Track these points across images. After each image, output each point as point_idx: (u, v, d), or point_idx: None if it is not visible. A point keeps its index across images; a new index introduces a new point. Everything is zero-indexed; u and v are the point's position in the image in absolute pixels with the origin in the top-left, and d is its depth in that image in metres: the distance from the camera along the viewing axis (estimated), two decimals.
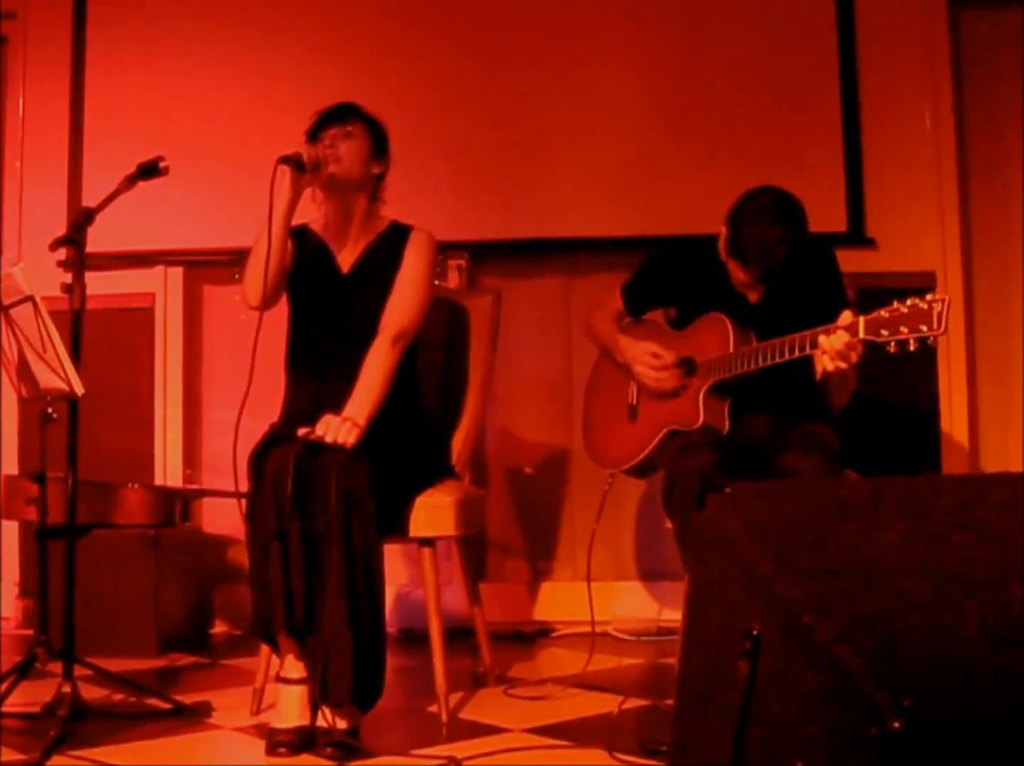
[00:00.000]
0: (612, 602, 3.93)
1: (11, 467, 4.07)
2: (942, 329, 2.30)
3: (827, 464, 2.67)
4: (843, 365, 2.48)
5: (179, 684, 3.19)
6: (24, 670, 2.68)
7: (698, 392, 2.83)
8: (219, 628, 4.06)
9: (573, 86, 4.10)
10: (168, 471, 4.15)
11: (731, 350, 2.77)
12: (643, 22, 4.11)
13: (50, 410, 2.70)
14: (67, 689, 2.58)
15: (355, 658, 2.39)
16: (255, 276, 2.64)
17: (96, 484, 3.49)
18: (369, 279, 2.78)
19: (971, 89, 4.16)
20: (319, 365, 2.77)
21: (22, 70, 4.32)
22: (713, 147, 4.03)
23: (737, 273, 2.80)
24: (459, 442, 3.14)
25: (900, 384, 3.86)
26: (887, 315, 2.38)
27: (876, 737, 1.13)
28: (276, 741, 2.44)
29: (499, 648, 3.34)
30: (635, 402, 3.06)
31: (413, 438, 2.78)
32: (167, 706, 2.77)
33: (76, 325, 2.65)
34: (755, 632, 1.34)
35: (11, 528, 4.12)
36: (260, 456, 2.53)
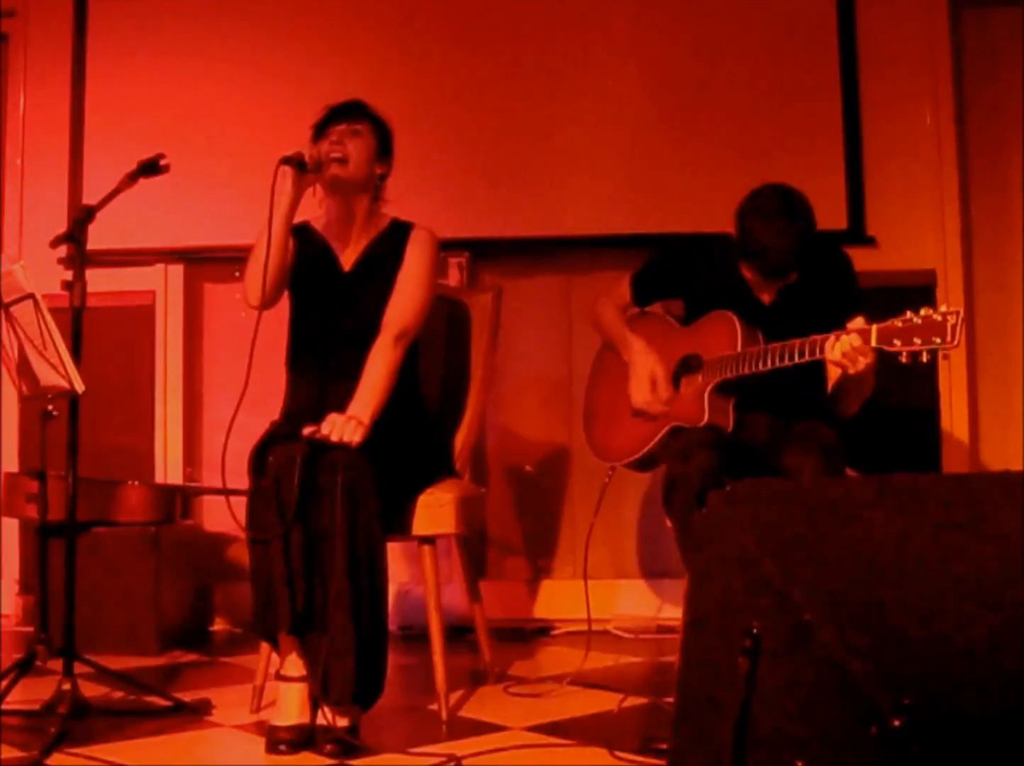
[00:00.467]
0: (613, 600, 3.94)
1: (11, 464, 4.07)
2: (956, 342, 2.30)
3: (828, 463, 2.67)
4: (848, 366, 2.48)
5: (179, 682, 3.19)
6: (24, 667, 2.68)
7: (703, 390, 2.83)
8: (219, 625, 4.06)
9: (574, 84, 4.10)
10: (168, 469, 4.15)
11: (739, 349, 2.77)
12: (644, 21, 4.11)
13: (50, 407, 2.71)
14: (67, 686, 2.58)
15: (358, 656, 2.39)
16: (255, 275, 2.64)
17: (96, 481, 3.49)
18: (371, 277, 2.78)
19: (972, 87, 4.16)
20: (320, 363, 2.77)
21: (23, 67, 4.31)
22: (714, 146, 4.03)
23: (747, 272, 2.80)
24: (459, 440, 3.13)
25: (900, 383, 3.86)
26: (900, 325, 2.38)
27: (876, 736, 1.13)
28: (276, 739, 2.44)
29: (499, 646, 3.34)
30: None
31: (414, 436, 2.78)
32: (167, 704, 2.76)
33: (77, 322, 2.65)
34: (755, 630, 1.34)
35: (11, 525, 4.12)
36: (261, 454, 2.53)
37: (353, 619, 2.39)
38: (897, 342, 2.38)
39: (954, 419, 4.01)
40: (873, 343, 2.43)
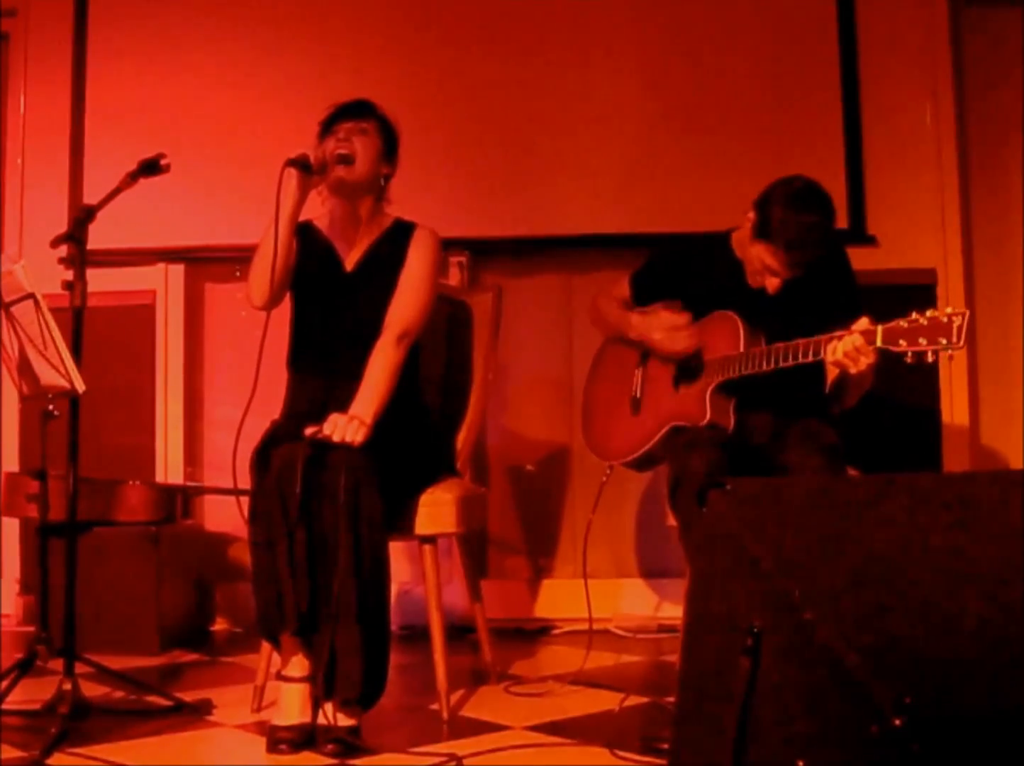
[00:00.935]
0: (613, 599, 3.94)
1: (12, 464, 4.07)
2: (961, 343, 2.30)
3: (829, 462, 2.67)
4: (849, 365, 2.48)
5: (180, 681, 3.19)
6: (25, 667, 2.68)
7: (705, 389, 2.82)
8: (220, 625, 4.06)
9: (575, 83, 4.10)
10: (169, 468, 4.15)
11: (741, 350, 2.76)
12: (644, 20, 4.11)
13: (51, 407, 2.70)
14: (68, 686, 2.58)
15: (363, 656, 2.39)
16: (259, 276, 2.65)
17: (97, 481, 3.49)
18: (373, 277, 2.78)
19: (972, 87, 4.16)
20: (322, 363, 2.77)
21: (23, 67, 4.31)
22: (715, 145, 4.03)
23: (766, 257, 2.72)
24: (460, 439, 3.14)
25: (901, 382, 3.85)
26: (906, 325, 2.37)
27: (877, 735, 1.13)
28: (277, 738, 2.44)
29: (500, 645, 3.34)
30: (639, 394, 3.05)
31: (416, 436, 2.78)
32: (168, 703, 2.76)
33: (77, 322, 2.65)
34: (756, 629, 1.34)
35: (12, 525, 4.12)
36: (263, 453, 2.53)
37: (358, 618, 2.39)
38: (903, 342, 2.37)
39: (955, 417, 4.01)
40: (878, 343, 2.42)
